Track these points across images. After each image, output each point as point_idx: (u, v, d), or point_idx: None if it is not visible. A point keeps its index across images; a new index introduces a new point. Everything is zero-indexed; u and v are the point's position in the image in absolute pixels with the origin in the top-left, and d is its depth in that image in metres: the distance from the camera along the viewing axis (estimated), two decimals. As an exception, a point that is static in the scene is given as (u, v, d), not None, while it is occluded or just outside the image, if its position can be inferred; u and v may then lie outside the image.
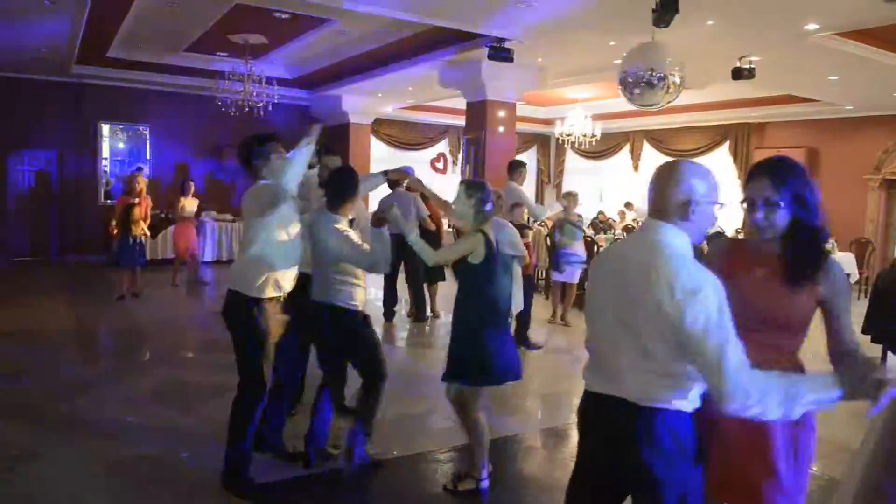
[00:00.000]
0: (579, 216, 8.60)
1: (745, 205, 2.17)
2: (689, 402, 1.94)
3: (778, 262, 2.14)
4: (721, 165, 13.89)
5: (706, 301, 1.79)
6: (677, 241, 1.94)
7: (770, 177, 2.10)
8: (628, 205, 13.90)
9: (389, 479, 3.91)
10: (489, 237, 3.54)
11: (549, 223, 9.10)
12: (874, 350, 6.76)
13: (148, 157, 13.37)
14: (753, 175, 2.16)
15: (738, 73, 8.48)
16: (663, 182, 1.98)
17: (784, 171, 2.12)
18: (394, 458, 4.11)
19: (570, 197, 8.31)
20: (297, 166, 3.37)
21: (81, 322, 7.77)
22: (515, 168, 7.56)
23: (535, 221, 9.29)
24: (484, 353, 3.49)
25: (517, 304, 5.59)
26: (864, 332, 6.72)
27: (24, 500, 3.44)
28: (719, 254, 2.34)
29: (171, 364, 6.17)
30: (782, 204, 2.08)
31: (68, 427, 4.43)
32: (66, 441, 4.17)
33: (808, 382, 1.81)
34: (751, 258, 2.21)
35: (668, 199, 1.95)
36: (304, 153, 3.40)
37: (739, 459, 2.16)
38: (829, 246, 2.24)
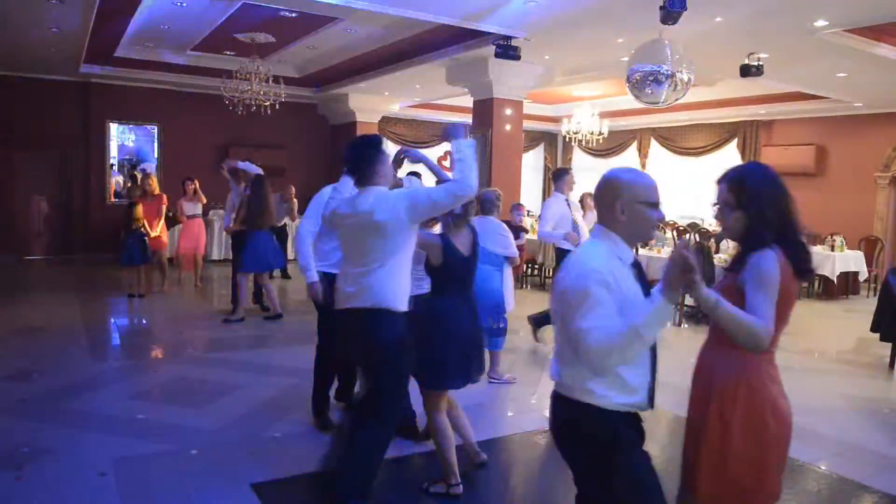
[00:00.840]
0: None
1: (715, 206, 2.33)
2: (602, 398, 2.06)
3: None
4: (729, 163, 13.83)
5: (568, 298, 2.02)
6: (595, 246, 2.11)
7: (725, 182, 2.27)
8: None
9: (400, 475, 3.91)
10: (453, 245, 3.45)
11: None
12: (883, 349, 6.74)
13: (156, 155, 13.43)
14: (718, 181, 2.31)
15: (746, 70, 8.44)
16: (598, 188, 2.17)
17: (739, 176, 2.26)
18: (404, 455, 4.11)
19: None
20: (475, 168, 3.13)
21: (90, 320, 7.80)
22: (560, 177, 6.84)
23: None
24: (425, 355, 3.39)
25: (509, 305, 5.61)
26: (872, 330, 6.71)
27: (33, 497, 3.46)
28: None
29: (179, 362, 6.20)
30: (733, 206, 2.23)
31: (78, 424, 4.46)
32: (76, 438, 4.20)
33: (642, 310, 1.93)
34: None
35: (600, 202, 2.15)
36: (474, 152, 3.16)
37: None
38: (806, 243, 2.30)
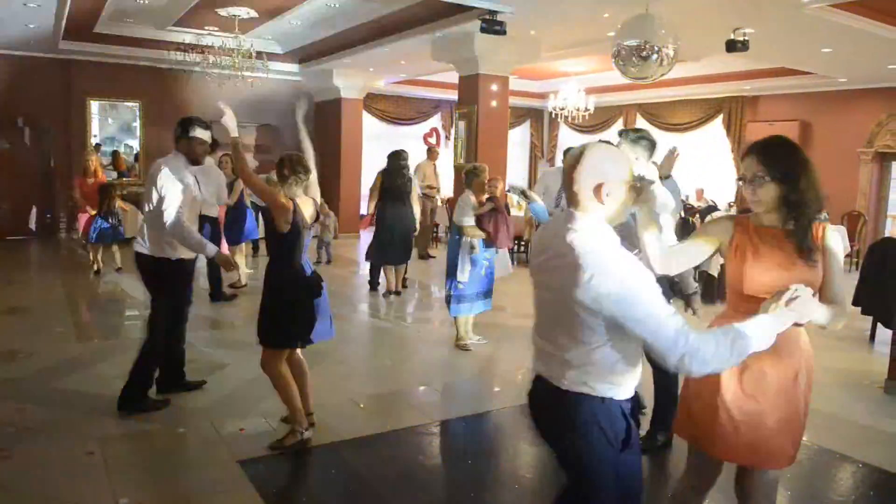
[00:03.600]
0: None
1: (740, 182, 2.32)
2: (616, 389, 1.98)
3: (784, 236, 2.28)
4: (714, 138, 13.89)
5: (636, 296, 1.82)
6: (593, 236, 1.91)
7: (758, 155, 2.25)
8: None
9: (381, 451, 3.94)
10: (297, 210, 3.71)
11: None
12: (864, 322, 6.83)
13: (138, 133, 13.26)
14: (746, 154, 2.31)
15: (732, 46, 8.41)
16: (574, 169, 1.97)
17: (771, 150, 2.26)
18: (386, 431, 4.14)
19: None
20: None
21: (74, 299, 7.75)
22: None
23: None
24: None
25: (460, 274, 5.80)
26: (854, 303, 6.79)
27: (20, 477, 3.46)
28: (723, 230, 2.44)
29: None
30: (768, 179, 2.22)
31: (65, 404, 4.44)
32: (62, 418, 4.18)
33: (750, 329, 1.91)
34: (755, 232, 2.34)
35: (580, 186, 1.95)
36: None
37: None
38: (822, 217, 2.33)
